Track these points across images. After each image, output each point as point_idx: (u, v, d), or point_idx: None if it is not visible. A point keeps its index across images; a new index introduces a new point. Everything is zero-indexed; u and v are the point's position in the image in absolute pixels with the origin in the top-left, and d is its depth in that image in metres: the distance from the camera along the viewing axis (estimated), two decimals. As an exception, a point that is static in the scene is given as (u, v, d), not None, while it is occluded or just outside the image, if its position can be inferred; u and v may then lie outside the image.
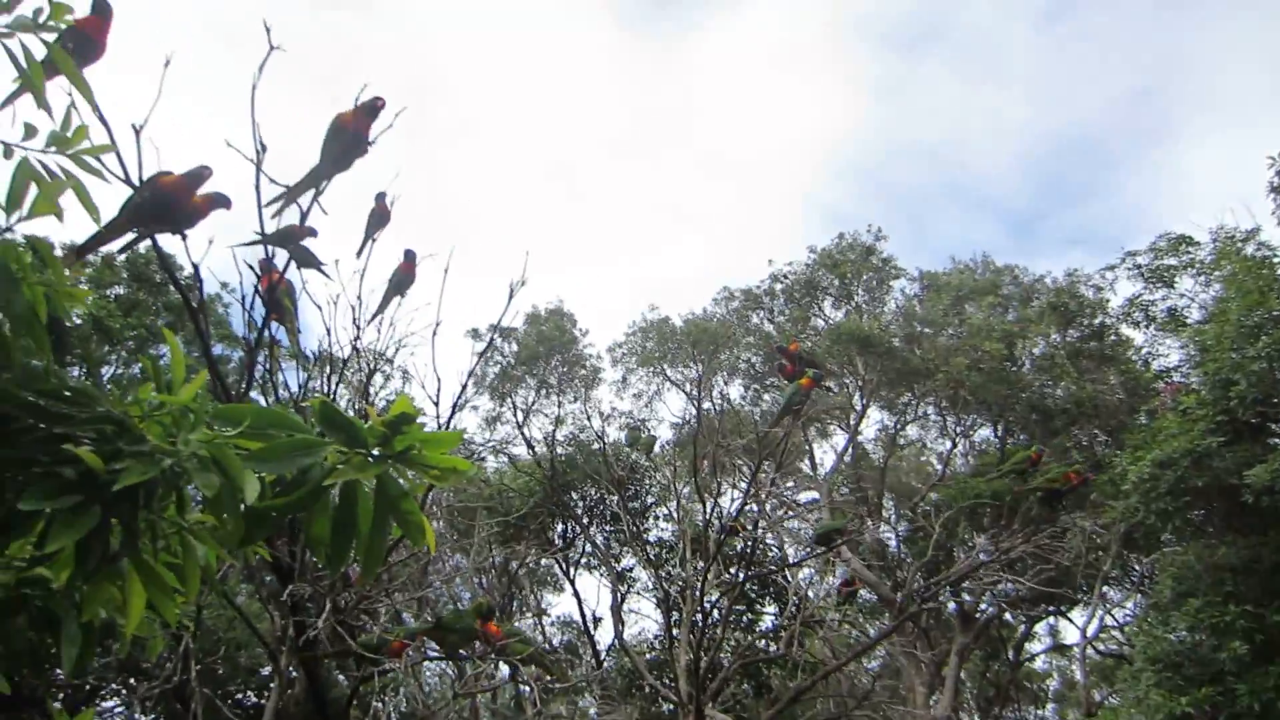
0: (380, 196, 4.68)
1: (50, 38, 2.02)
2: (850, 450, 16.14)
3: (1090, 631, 14.25)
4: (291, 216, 3.98)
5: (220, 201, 3.36)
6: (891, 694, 14.88)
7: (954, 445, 16.12)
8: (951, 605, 14.07)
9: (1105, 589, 14.11)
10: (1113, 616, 15.66)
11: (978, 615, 14.15)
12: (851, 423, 15.88)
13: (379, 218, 4.71)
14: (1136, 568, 13.98)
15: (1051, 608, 14.74)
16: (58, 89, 2.16)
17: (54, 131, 1.79)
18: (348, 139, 3.83)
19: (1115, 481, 10.23)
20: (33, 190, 1.61)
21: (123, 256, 11.98)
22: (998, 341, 14.02)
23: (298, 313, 4.77)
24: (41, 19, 1.93)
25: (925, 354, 14.63)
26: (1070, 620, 15.85)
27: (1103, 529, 11.35)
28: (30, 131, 1.78)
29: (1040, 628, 16.82)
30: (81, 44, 2.62)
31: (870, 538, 13.27)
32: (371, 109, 3.83)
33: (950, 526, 12.09)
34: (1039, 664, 19.33)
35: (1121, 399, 13.62)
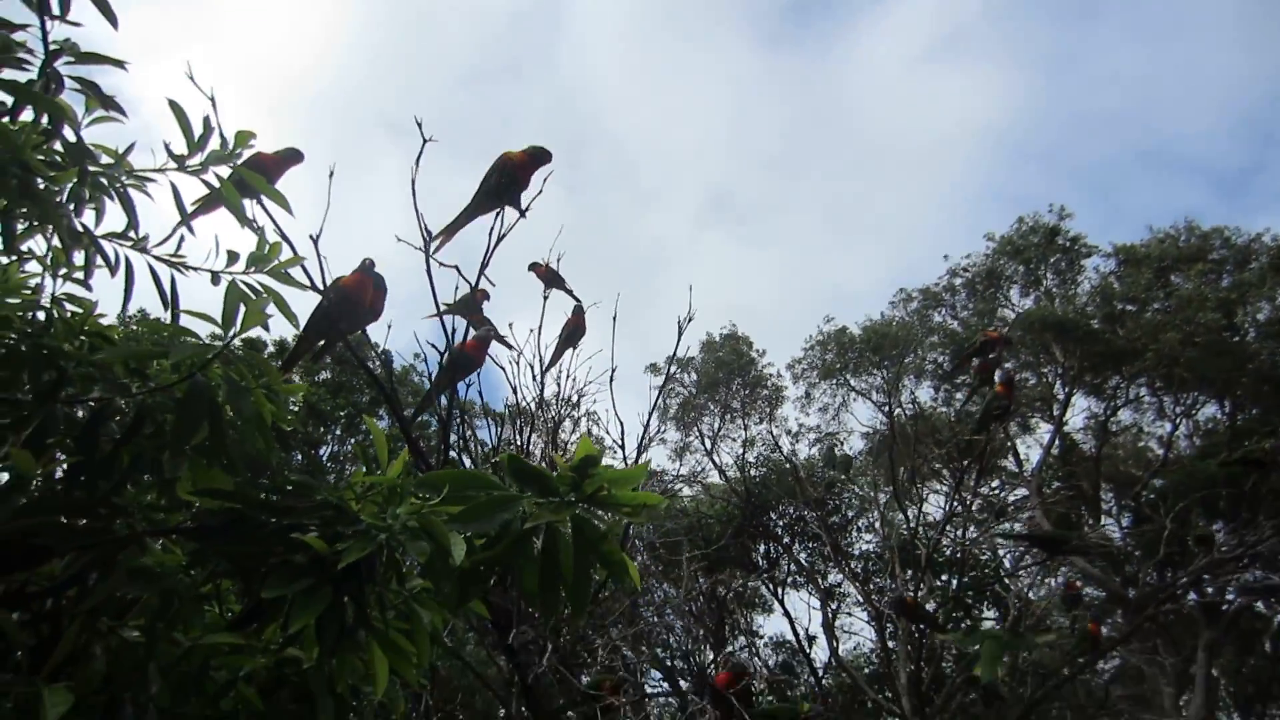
0: (534, 265, 4.88)
1: (239, 163, 2.25)
2: (1058, 442, 15.20)
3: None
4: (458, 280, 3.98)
5: (381, 285, 3.42)
6: (1133, 699, 13.79)
7: (1175, 427, 14.83)
8: (1192, 596, 12.93)
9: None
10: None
11: (1224, 608, 12.93)
12: (1055, 413, 14.98)
13: (551, 276, 4.90)
14: None
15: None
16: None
17: (253, 252, 2.00)
18: (509, 178, 3.72)
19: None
20: (241, 308, 1.80)
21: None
22: (1213, 311, 12.88)
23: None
24: (229, 149, 2.17)
25: (1130, 333, 13.63)
26: (1335, 605, 14.23)
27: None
28: (233, 258, 2.00)
29: (1300, 616, 15.14)
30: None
31: (1095, 543, 12.33)
32: (536, 157, 3.73)
33: (1182, 517, 11.15)
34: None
35: (1374, 361, 12.23)
